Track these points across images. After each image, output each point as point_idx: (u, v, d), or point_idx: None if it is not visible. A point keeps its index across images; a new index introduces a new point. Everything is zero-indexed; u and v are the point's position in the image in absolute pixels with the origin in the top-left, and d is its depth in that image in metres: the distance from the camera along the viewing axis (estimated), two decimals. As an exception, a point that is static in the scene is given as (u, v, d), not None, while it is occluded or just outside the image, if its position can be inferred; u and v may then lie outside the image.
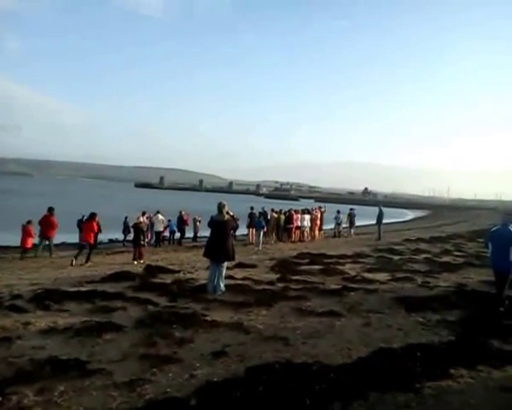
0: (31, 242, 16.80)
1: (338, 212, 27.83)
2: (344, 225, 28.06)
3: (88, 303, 7.42)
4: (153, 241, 21.45)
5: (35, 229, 17.00)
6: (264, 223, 21.12)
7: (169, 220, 22.90)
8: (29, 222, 16.82)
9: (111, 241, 24.13)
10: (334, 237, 26.78)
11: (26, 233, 16.56)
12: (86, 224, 15.31)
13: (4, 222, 24.82)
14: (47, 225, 16.72)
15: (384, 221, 25.66)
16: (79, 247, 15.10)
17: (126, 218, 23.03)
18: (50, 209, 17.14)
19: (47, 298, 7.48)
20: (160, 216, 21.57)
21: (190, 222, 24.11)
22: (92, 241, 14.82)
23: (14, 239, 18.76)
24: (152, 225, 21.35)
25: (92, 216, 15.16)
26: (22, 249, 16.37)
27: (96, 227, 15.12)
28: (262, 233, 20.52)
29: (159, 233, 21.53)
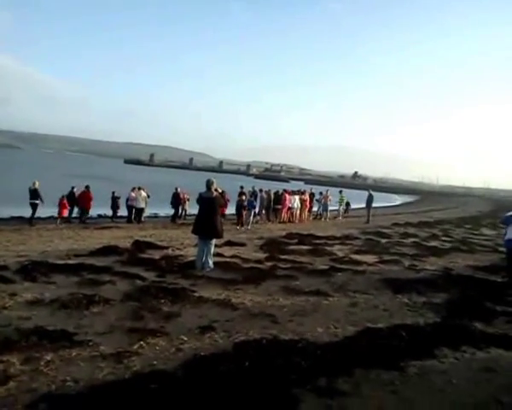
0: (66, 212, 20.40)
1: (340, 192, 28.36)
2: (334, 208, 28.29)
3: (75, 276, 7.38)
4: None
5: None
6: (255, 203, 21.11)
7: (148, 197, 22.63)
8: (63, 196, 20.37)
9: (100, 216, 23.92)
10: (320, 218, 26.80)
11: (62, 205, 20.08)
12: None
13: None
14: (85, 199, 20.80)
15: (373, 205, 25.82)
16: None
17: (114, 193, 22.79)
18: (87, 186, 21.20)
19: (34, 270, 7.42)
20: (143, 193, 21.46)
21: (187, 200, 23.64)
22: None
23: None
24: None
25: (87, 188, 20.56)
26: (60, 218, 19.87)
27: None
28: (253, 213, 20.53)
29: (141, 210, 21.43)
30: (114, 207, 22.67)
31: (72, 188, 21.16)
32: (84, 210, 20.89)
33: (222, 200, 9.13)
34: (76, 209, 21.20)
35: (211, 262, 8.72)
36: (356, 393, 3.71)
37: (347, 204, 32.68)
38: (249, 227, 19.07)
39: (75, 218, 20.86)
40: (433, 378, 4.09)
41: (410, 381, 4.00)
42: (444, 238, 17.69)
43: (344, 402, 3.55)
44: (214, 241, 9.04)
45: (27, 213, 19.26)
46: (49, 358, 4.05)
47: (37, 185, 18.92)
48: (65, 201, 20.34)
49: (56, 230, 16.36)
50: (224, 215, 19.73)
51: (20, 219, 20.24)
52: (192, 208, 20.26)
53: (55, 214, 20.71)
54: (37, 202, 18.67)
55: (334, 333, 5.25)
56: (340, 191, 28.86)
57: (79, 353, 4.22)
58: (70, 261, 8.64)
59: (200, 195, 8.93)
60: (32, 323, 4.94)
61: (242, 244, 12.39)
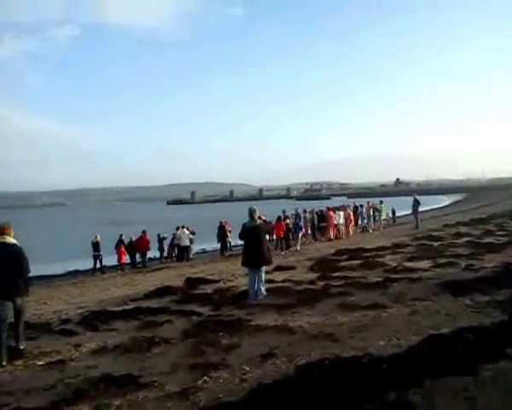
0: (124, 258, 21.32)
1: (381, 202, 27.73)
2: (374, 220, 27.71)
3: (134, 320, 7.58)
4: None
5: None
6: (301, 224, 21.10)
7: (193, 234, 23.09)
8: (119, 243, 21.36)
9: (149, 259, 24.50)
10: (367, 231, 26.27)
11: (120, 253, 21.07)
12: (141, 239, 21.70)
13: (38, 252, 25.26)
14: (143, 243, 21.66)
15: (420, 209, 25.19)
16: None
17: (159, 235, 23.39)
18: (144, 231, 21.96)
19: (95, 319, 7.68)
20: (186, 230, 21.92)
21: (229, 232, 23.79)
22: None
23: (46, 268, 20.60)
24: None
25: (144, 232, 21.86)
26: (120, 265, 20.99)
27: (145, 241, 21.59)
28: (300, 235, 20.54)
29: (185, 248, 21.83)
30: (161, 248, 23.26)
31: (121, 236, 21.87)
32: (144, 254, 21.83)
33: (267, 226, 9.16)
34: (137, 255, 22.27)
35: (263, 289, 8.73)
36: (428, 404, 3.57)
37: (393, 212, 32.10)
38: (298, 248, 19.06)
39: (128, 264, 21.54)
40: (510, 380, 3.89)
41: (485, 385, 3.81)
42: (499, 233, 16.96)
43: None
44: (264, 268, 9.06)
45: (81, 266, 20.27)
46: (118, 403, 4.14)
47: (98, 238, 20.16)
48: (122, 248, 21.18)
49: (111, 278, 16.84)
50: (282, 238, 19.92)
51: (76, 272, 21.05)
52: (234, 239, 20.33)
53: (108, 263, 21.52)
54: (99, 253, 20.04)
55: (397, 344, 5.10)
56: (381, 202, 28.18)
57: (146, 395, 4.30)
58: (127, 307, 8.87)
59: (244, 226, 9.00)
60: (98, 371, 5.08)
61: (292, 267, 12.35)
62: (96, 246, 20.46)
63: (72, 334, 6.99)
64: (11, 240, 6.46)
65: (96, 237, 20.63)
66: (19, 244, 6.48)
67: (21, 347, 6.27)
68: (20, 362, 5.78)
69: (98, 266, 20.64)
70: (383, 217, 28.10)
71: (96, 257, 20.50)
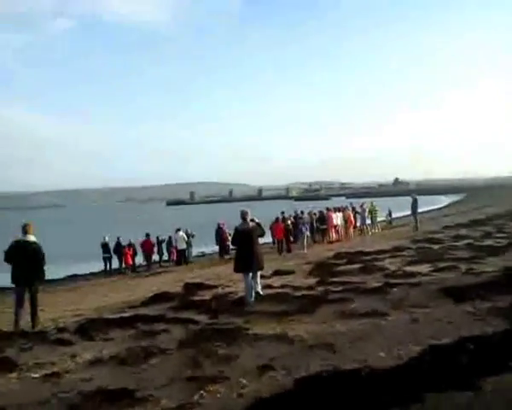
0: (130, 260, 21.72)
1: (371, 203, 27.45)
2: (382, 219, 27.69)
3: (131, 328, 7.46)
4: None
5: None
6: (305, 227, 20.92)
7: (192, 236, 23.13)
8: (125, 247, 21.51)
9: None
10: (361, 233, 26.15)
11: (126, 254, 21.26)
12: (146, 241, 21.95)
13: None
14: (147, 246, 21.89)
15: (419, 210, 25.08)
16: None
17: (158, 238, 23.33)
18: (147, 235, 22.13)
19: (91, 328, 7.56)
20: (181, 233, 21.82)
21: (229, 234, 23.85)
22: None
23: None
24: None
25: (147, 235, 22.07)
26: (127, 266, 21.53)
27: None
28: (306, 236, 20.39)
29: (183, 251, 21.75)
30: (161, 251, 23.18)
31: (118, 238, 21.84)
32: (148, 256, 22.01)
33: (260, 229, 9.06)
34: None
35: (259, 288, 8.82)
36: (430, 420, 3.49)
37: (389, 213, 32.04)
38: (305, 251, 18.88)
39: (126, 268, 21.55)
40: (513, 394, 3.80)
41: (489, 401, 3.72)
42: (498, 235, 16.89)
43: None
44: (259, 273, 9.06)
45: (79, 270, 20.24)
46: (113, 420, 4.04)
47: (107, 239, 20.45)
48: (127, 250, 21.35)
49: (109, 283, 16.75)
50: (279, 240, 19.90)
51: (75, 276, 20.96)
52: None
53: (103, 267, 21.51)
54: (110, 255, 20.38)
55: (398, 355, 5.01)
56: (371, 203, 27.89)
57: (141, 410, 4.20)
58: (124, 314, 8.76)
59: (236, 229, 8.93)
60: (93, 384, 4.98)
61: (291, 272, 12.25)
62: (105, 247, 20.76)
63: (68, 343, 6.87)
64: (32, 238, 8.60)
65: (105, 238, 20.85)
66: (38, 241, 8.65)
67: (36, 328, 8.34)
68: (14, 374, 5.67)
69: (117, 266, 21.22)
70: (379, 218, 27.97)
71: (107, 259, 20.88)
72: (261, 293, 8.66)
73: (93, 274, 21.63)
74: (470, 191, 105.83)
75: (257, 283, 8.81)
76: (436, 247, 14.69)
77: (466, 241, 15.58)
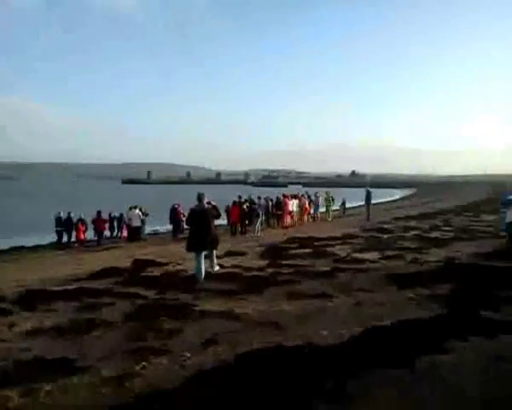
0: (82, 235, 21.69)
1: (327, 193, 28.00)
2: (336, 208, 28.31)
3: (75, 301, 7.28)
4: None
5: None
6: (259, 211, 21.07)
7: (146, 215, 22.94)
8: (78, 221, 21.60)
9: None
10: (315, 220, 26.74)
11: (79, 230, 21.40)
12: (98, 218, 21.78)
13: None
14: (99, 222, 21.95)
15: (373, 201, 25.81)
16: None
17: (110, 214, 23.15)
18: (99, 212, 22.08)
19: (33, 298, 7.34)
20: (137, 211, 21.64)
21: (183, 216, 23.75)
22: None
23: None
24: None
25: (99, 213, 21.82)
26: (81, 241, 21.45)
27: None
28: (259, 221, 20.55)
29: (136, 228, 21.56)
30: (112, 228, 22.91)
31: (69, 213, 21.60)
32: (100, 233, 21.96)
33: (215, 211, 9.10)
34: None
35: (217, 267, 9.22)
36: (365, 394, 3.60)
37: (343, 203, 32.73)
38: (259, 234, 19.09)
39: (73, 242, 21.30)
40: (444, 373, 3.97)
41: (420, 377, 3.89)
42: (445, 228, 17.57)
43: (353, 405, 3.44)
44: (215, 252, 9.19)
45: (28, 242, 19.75)
46: (48, 388, 3.93)
47: (61, 214, 20.58)
48: (80, 225, 21.51)
49: (57, 256, 16.29)
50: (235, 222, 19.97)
51: (21, 248, 20.27)
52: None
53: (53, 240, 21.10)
54: (62, 228, 20.36)
55: (340, 335, 5.13)
56: (327, 192, 28.56)
57: (80, 379, 4.11)
58: (69, 287, 8.53)
59: (191, 209, 8.98)
60: (31, 354, 4.83)
61: (243, 253, 12.29)
62: (59, 221, 21.21)
63: (6, 313, 6.63)
64: None
65: (60, 212, 21.20)
66: None
67: None
68: None
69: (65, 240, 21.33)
70: (334, 207, 28.59)
71: (60, 232, 20.64)
72: (216, 269, 8.88)
73: (41, 246, 20.96)
74: (422, 187, 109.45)
75: (213, 261, 9.06)
76: (385, 236, 15.12)
77: (414, 232, 16.13)
